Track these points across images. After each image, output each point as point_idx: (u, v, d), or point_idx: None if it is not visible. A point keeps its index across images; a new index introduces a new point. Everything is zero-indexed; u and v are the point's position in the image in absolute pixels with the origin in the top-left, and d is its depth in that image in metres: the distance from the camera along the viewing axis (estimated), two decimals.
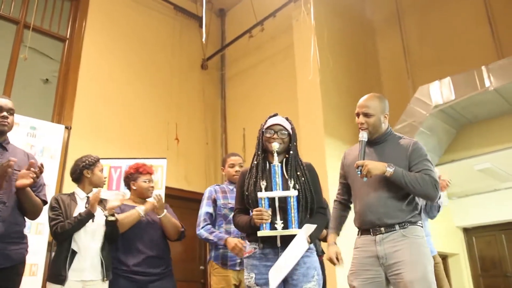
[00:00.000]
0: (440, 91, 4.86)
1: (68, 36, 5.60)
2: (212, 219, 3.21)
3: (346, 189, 2.54)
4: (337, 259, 2.37)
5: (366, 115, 2.37)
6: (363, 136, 2.35)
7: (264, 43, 6.35)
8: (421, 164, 2.27)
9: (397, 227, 2.21)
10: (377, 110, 2.37)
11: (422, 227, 2.28)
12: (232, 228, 3.10)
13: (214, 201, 3.24)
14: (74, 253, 2.57)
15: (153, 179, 3.13)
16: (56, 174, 4.25)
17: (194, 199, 6.06)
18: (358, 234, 2.39)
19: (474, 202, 7.10)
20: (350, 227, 2.56)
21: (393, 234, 2.21)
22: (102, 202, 2.84)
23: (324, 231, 3.76)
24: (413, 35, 6.23)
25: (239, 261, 3.05)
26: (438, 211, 3.58)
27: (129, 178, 3.09)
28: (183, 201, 5.65)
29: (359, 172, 2.23)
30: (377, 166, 2.20)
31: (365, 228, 2.31)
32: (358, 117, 2.42)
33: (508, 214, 6.81)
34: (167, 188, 5.02)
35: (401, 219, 2.23)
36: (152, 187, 3.07)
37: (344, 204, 2.57)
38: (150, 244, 2.90)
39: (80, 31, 5.62)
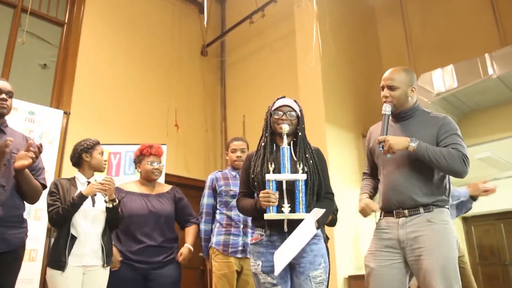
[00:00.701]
0: (442, 79, 4.82)
1: (66, 21, 5.52)
2: (214, 210, 3.22)
3: (373, 164, 2.41)
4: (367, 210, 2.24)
5: (390, 87, 2.22)
6: (386, 109, 2.20)
7: (264, 30, 6.27)
8: (450, 138, 2.13)
9: (421, 210, 2.09)
10: (403, 83, 2.21)
11: (448, 209, 2.14)
12: (233, 214, 3.09)
13: (215, 190, 3.22)
14: (73, 238, 2.54)
15: (160, 161, 3.07)
16: (55, 160, 4.22)
17: (193, 186, 6.05)
18: (380, 216, 2.28)
19: None
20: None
21: (417, 217, 2.09)
22: None
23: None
24: (415, 22, 6.16)
25: (240, 248, 3.04)
26: (467, 211, 3.46)
27: (135, 161, 3.08)
28: (183, 188, 5.52)
29: (381, 148, 2.11)
30: (399, 141, 2.06)
31: (388, 209, 2.19)
32: (383, 90, 2.27)
33: (507, 203, 6.80)
34: (167, 175, 4.99)
35: (427, 201, 2.10)
36: (157, 169, 3.01)
37: (373, 176, 2.45)
38: (151, 233, 2.86)
39: (79, 16, 5.53)
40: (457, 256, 2.07)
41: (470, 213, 7.70)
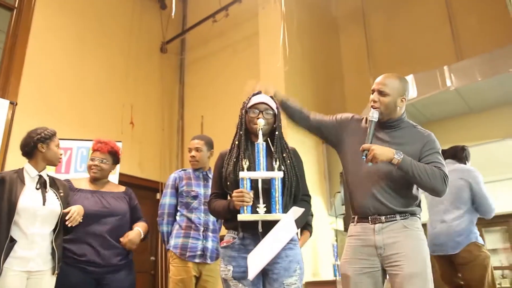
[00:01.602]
0: None
1: (16, 5, 5.13)
2: (176, 210, 3.04)
3: (322, 125, 2.41)
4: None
5: (381, 93, 2.14)
6: (373, 115, 2.12)
7: (227, 30, 6.16)
8: (433, 156, 2.10)
9: (398, 217, 2.08)
10: (394, 90, 2.13)
11: (420, 219, 2.16)
12: (194, 216, 2.93)
13: (177, 190, 3.05)
14: (13, 241, 2.24)
15: (104, 158, 2.78)
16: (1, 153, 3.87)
17: (148, 187, 5.82)
18: (353, 222, 2.22)
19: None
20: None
21: (393, 224, 2.07)
22: (55, 183, 2.54)
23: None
24: (377, 32, 6.28)
25: (199, 252, 2.89)
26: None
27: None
28: (137, 188, 5.26)
29: (364, 157, 2.05)
30: (384, 152, 2.01)
31: (363, 215, 2.15)
32: (372, 94, 2.18)
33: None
34: (120, 174, 4.74)
35: (403, 209, 2.09)
36: (96, 165, 2.74)
37: (308, 114, 2.45)
38: (105, 232, 2.61)
39: (31, 0, 5.17)
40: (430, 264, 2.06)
41: None
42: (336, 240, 5.05)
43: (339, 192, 5.00)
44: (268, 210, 1.90)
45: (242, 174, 1.91)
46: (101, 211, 2.64)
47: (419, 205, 2.17)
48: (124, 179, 5.35)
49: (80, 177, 3.10)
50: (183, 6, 7.06)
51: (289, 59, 5.08)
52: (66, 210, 2.40)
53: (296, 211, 1.89)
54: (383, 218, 2.08)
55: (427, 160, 2.09)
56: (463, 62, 4.71)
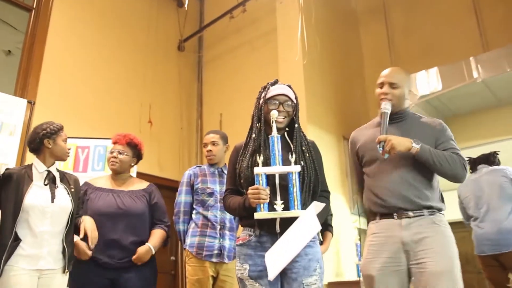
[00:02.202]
0: (427, 81, 4.73)
1: (34, 6, 5.14)
2: (192, 208, 2.95)
3: (362, 173, 2.24)
4: None
5: (392, 85, 2.12)
6: (386, 107, 2.09)
7: (245, 26, 6.06)
8: (448, 143, 2.06)
9: (425, 212, 1.98)
10: (403, 82, 2.14)
11: (444, 216, 2.06)
12: (210, 214, 2.83)
13: (193, 187, 2.95)
14: (17, 240, 2.18)
15: (123, 150, 2.71)
16: (16, 152, 3.86)
17: (167, 186, 5.76)
18: (374, 219, 2.12)
19: (450, 197, 7.03)
20: None
21: (421, 219, 1.97)
22: (65, 178, 2.47)
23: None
24: (398, 26, 6.10)
25: (216, 251, 2.78)
26: None
27: None
28: None
29: (381, 149, 1.98)
30: (401, 142, 1.96)
31: (386, 212, 2.05)
32: (382, 87, 2.15)
33: None
34: (138, 174, 4.70)
35: (429, 203, 2.00)
36: (115, 157, 2.67)
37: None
38: (120, 233, 2.53)
39: (48, 1, 5.17)
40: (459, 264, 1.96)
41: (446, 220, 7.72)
42: (360, 239, 4.90)
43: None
44: (286, 207, 1.78)
45: (257, 170, 1.78)
46: (114, 212, 2.56)
47: (443, 201, 2.09)
48: (143, 179, 5.33)
49: (101, 175, 3.04)
50: (200, 4, 7.00)
51: (307, 53, 4.96)
52: (81, 228, 2.33)
53: (318, 206, 1.77)
54: (410, 213, 1.99)
55: (443, 147, 2.05)
56: (490, 53, 4.52)
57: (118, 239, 2.52)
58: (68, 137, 4.16)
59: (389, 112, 2.09)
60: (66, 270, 2.29)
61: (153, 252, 2.61)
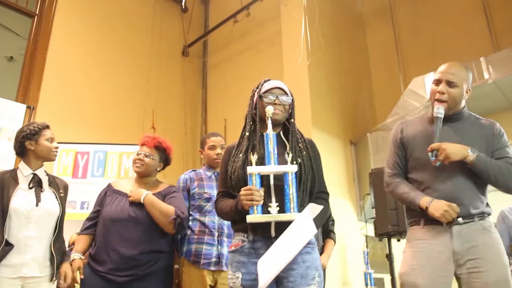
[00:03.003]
0: None
1: (37, 12, 5.14)
2: (189, 214, 2.77)
3: (403, 167, 2.07)
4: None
5: (449, 83, 1.93)
6: (439, 111, 1.91)
7: (249, 30, 5.99)
8: (504, 151, 1.92)
9: (476, 218, 1.85)
10: (462, 81, 1.95)
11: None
12: (207, 220, 2.69)
13: (189, 192, 2.80)
14: (9, 245, 2.07)
15: (150, 153, 2.55)
16: (14, 158, 3.79)
17: None
18: (418, 224, 1.97)
19: None
20: None
21: (472, 225, 1.85)
22: (55, 182, 2.37)
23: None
24: (405, 27, 5.98)
25: (214, 259, 2.63)
26: None
27: None
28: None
29: (433, 158, 1.86)
30: (457, 151, 1.83)
31: (433, 218, 1.90)
32: (438, 85, 1.96)
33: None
34: None
35: (480, 209, 1.87)
36: (139, 159, 2.51)
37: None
38: (127, 240, 2.36)
39: (51, 7, 5.16)
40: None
41: None
42: (367, 246, 4.75)
43: (369, 194, 4.70)
44: (282, 210, 1.64)
45: (250, 170, 1.65)
46: (122, 218, 2.39)
47: (488, 205, 1.95)
48: None
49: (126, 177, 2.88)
50: (204, 9, 6.96)
51: (311, 54, 4.85)
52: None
53: (314, 209, 1.62)
54: (460, 219, 1.85)
55: (499, 154, 1.92)
56: (501, 53, 4.38)
57: (127, 244, 2.35)
58: (68, 143, 4.11)
59: (442, 116, 1.92)
60: (54, 279, 2.18)
61: (143, 196, 2.39)
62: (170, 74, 6.19)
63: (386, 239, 4.03)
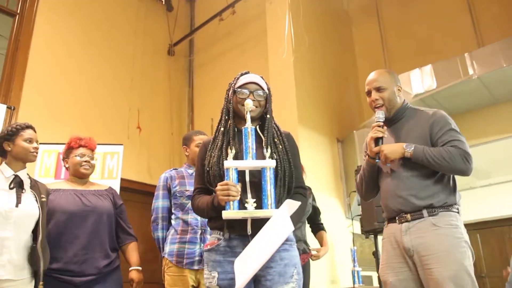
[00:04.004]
0: (421, 79, 4.60)
1: (18, 11, 5.04)
2: (170, 213, 2.78)
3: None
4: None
5: (378, 89, 2.05)
6: (379, 116, 2.02)
7: (235, 28, 5.95)
8: (446, 135, 1.93)
9: (425, 213, 1.88)
10: (389, 83, 2.06)
11: (458, 212, 1.91)
12: (190, 217, 2.66)
13: (170, 191, 2.79)
14: None
15: (91, 155, 2.57)
16: None
17: None
18: (385, 224, 2.09)
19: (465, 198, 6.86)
20: None
21: (421, 222, 1.88)
22: (37, 186, 2.30)
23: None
24: (391, 24, 6.00)
25: (197, 258, 2.60)
26: None
27: (63, 158, 2.61)
28: (145, 195, 5.16)
29: (377, 160, 1.98)
30: (394, 149, 1.92)
31: (391, 216, 2.00)
32: (370, 95, 2.09)
33: (483, 213, 6.64)
34: (125, 180, 4.55)
35: (430, 202, 1.88)
36: (87, 162, 2.51)
37: None
38: (86, 234, 2.33)
39: (33, 6, 5.06)
40: (471, 264, 1.81)
41: None
42: (354, 244, 4.73)
43: (355, 191, 4.69)
44: (259, 206, 1.60)
45: (227, 164, 1.61)
46: (80, 210, 2.36)
47: (453, 194, 1.94)
48: (132, 186, 5.19)
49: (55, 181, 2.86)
50: (190, 8, 6.90)
51: (296, 50, 4.83)
52: None
53: (291, 205, 1.59)
54: (408, 216, 1.91)
55: (442, 141, 1.93)
56: (486, 48, 4.41)
57: (84, 241, 2.31)
58: (50, 143, 4.02)
59: (382, 120, 2.02)
60: (41, 283, 2.09)
61: (141, 270, 2.52)
62: (155, 73, 6.12)
63: (373, 236, 4.02)
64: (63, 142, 4.19)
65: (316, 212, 3.51)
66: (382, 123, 2.01)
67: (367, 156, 2.08)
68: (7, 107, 4.11)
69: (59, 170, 3.93)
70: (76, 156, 2.51)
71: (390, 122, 2.09)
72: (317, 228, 3.54)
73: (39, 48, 4.92)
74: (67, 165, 2.56)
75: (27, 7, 5.03)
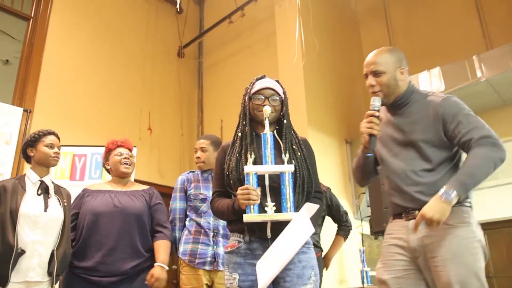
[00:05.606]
0: (429, 82, 4.63)
1: (32, 15, 5.14)
2: (186, 215, 2.86)
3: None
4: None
5: (375, 73, 1.84)
6: (375, 103, 1.82)
7: (244, 31, 6.02)
8: (461, 126, 1.69)
9: None
10: (389, 65, 1.84)
11: (470, 206, 1.73)
12: (203, 220, 2.73)
13: (186, 192, 2.87)
14: (21, 251, 2.10)
15: (129, 154, 2.62)
16: (11, 161, 3.80)
17: (167, 194, 5.63)
18: (390, 219, 1.92)
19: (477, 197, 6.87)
20: None
21: None
22: (60, 191, 2.39)
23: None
24: (399, 26, 6.03)
25: (209, 259, 2.67)
26: None
27: (103, 161, 2.67)
28: None
29: (370, 154, 1.82)
30: (439, 209, 1.59)
31: (396, 212, 1.84)
32: (367, 78, 1.89)
33: (491, 214, 6.64)
34: (137, 181, 4.62)
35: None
36: (127, 158, 2.55)
37: None
38: (115, 234, 2.35)
39: (46, 9, 5.16)
40: (482, 266, 1.66)
41: None
42: (363, 245, 4.79)
43: (364, 192, 4.74)
44: (278, 209, 1.66)
45: (247, 169, 1.66)
46: (109, 211, 2.39)
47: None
48: None
49: (101, 182, 2.93)
50: (199, 10, 6.98)
51: (305, 54, 4.88)
52: None
53: (310, 208, 1.63)
54: (417, 212, 1.69)
55: (460, 137, 1.69)
56: (494, 51, 4.42)
57: (113, 241, 2.34)
58: (65, 145, 4.12)
59: (379, 108, 1.83)
60: (55, 282, 2.19)
61: (166, 269, 2.42)
62: (165, 75, 6.21)
63: (382, 237, 4.07)
64: (77, 144, 4.32)
65: (339, 212, 3.44)
66: (377, 112, 1.81)
67: (362, 146, 1.87)
68: (24, 110, 4.20)
69: (74, 171, 4.03)
70: (115, 155, 2.57)
71: (393, 108, 1.89)
72: (338, 230, 3.53)
73: (53, 52, 5.01)
74: (108, 167, 2.62)
75: (40, 11, 5.13)
